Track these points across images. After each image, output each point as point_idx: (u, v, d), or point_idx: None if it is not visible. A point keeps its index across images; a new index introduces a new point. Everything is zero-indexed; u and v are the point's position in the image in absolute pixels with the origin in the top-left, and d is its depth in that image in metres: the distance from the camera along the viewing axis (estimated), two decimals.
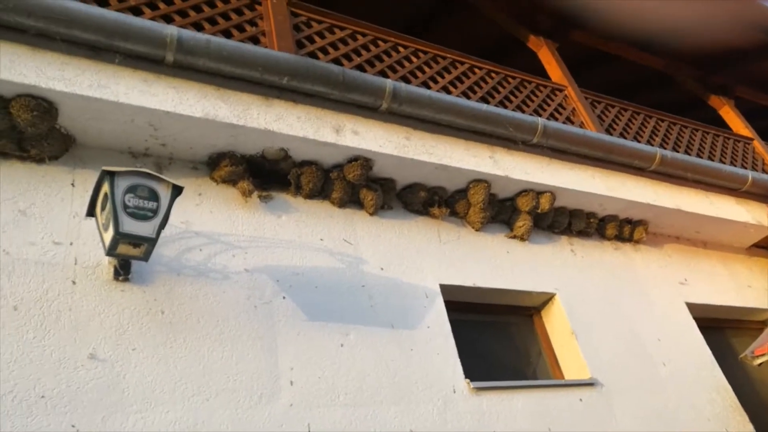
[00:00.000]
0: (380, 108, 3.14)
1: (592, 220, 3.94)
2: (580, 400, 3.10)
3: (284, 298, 2.67)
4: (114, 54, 2.56)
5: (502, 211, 3.63)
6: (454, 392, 2.79)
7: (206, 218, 2.72)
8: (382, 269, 3.03)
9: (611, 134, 4.37)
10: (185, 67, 2.69)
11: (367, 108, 3.15)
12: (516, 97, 4.10)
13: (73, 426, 2.01)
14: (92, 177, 2.55)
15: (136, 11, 2.90)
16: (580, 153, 3.84)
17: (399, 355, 2.77)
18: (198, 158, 2.85)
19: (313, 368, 2.54)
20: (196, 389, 2.26)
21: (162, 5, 3.04)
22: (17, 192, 2.38)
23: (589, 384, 3.20)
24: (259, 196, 2.90)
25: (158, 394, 2.19)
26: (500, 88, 4.07)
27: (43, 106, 2.37)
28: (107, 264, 2.37)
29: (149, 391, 2.18)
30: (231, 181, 2.85)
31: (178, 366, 2.28)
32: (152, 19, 2.87)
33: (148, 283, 2.42)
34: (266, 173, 2.96)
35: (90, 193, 2.49)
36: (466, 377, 2.85)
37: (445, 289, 3.15)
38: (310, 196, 3.06)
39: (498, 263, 3.46)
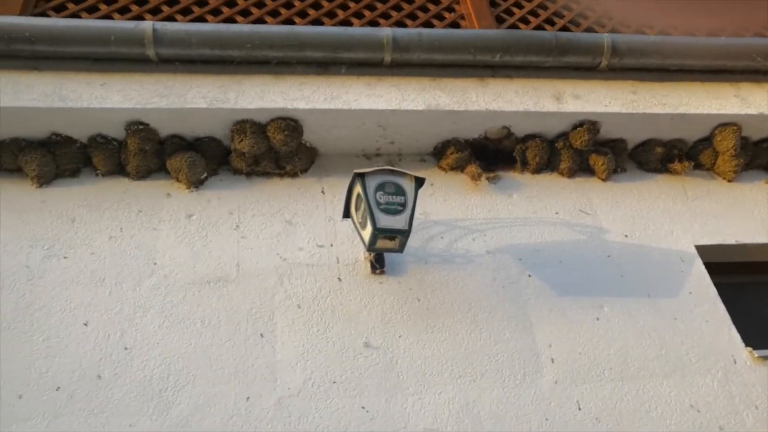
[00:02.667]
0: (599, 66, 2.94)
1: None
2: None
3: (529, 276, 2.64)
4: (340, 66, 2.75)
5: (759, 154, 3.16)
6: (735, 362, 2.50)
7: (441, 206, 2.80)
8: (626, 236, 2.84)
9: None
10: (402, 64, 2.80)
11: (585, 69, 2.96)
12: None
13: (363, 407, 2.21)
14: (337, 183, 2.80)
15: (346, 22, 3.11)
16: None
17: (662, 325, 2.57)
18: (424, 150, 2.95)
19: (571, 344, 2.47)
20: (462, 370, 2.34)
21: (367, 12, 3.21)
22: (282, 205, 2.69)
23: None
24: (487, 178, 2.91)
25: (429, 377, 2.31)
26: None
27: (291, 125, 2.65)
28: (364, 260, 2.56)
29: (420, 374, 2.31)
30: (458, 167, 2.90)
31: (441, 349, 2.38)
32: (364, 25, 3.05)
33: (401, 273, 2.57)
34: (490, 154, 2.95)
35: (338, 197, 2.73)
36: (747, 345, 2.54)
37: (703, 250, 2.84)
38: (538, 170, 2.98)
39: (762, 215, 3.02)
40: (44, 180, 2.55)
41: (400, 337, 2.39)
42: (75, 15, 2.94)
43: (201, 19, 3.04)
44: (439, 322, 2.45)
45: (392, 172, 2.30)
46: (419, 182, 2.32)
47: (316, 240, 2.61)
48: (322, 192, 2.77)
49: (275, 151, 2.71)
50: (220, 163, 2.75)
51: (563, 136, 2.95)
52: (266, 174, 2.77)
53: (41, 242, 2.43)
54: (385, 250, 2.36)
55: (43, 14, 2.91)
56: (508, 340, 2.44)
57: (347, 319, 2.41)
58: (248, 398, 2.18)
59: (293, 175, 2.79)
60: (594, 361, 2.43)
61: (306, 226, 2.64)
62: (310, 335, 2.35)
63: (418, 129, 2.82)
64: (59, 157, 2.56)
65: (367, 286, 2.51)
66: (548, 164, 3.00)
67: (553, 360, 2.42)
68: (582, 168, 3.03)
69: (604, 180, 3.02)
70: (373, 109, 2.69)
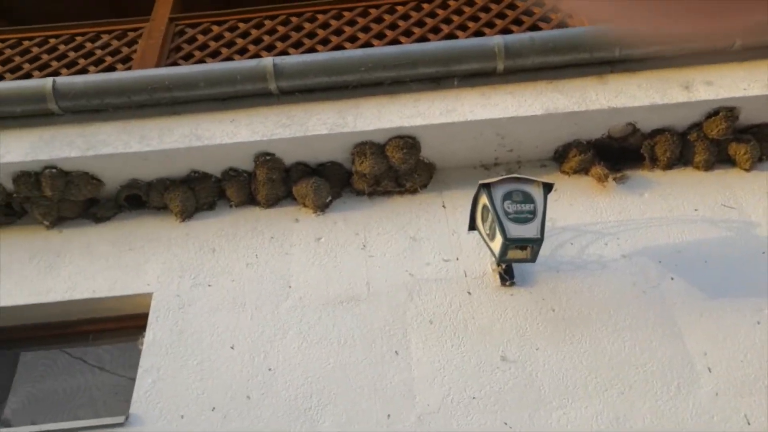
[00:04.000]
0: (734, 47, 2.71)
1: None
2: None
3: (672, 279, 2.46)
4: (452, 79, 2.75)
5: None
6: None
7: (567, 211, 2.69)
8: None
9: None
10: (515, 70, 2.75)
11: (716, 53, 2.75)
12: None
13: (505, 423, 2.15)
14: (457, 196, 2.78)
15: (452, 36, 3.11)
16: None
17: None
18: (544, 155, 2.87)
19: (730, 351, 2.26)
20: (608, 383, 2.21)
21: (471, 24, 3.19)
22: (405, 222, 2.72)
23: None
24: (614, 179, 2.76)
25: (572, 390, 2.21)
26: None
27: (409, 142, 2.68)
28: (492, 272, 2.51)
29: (563, 387, 2.22)
30: (582, 169, 2.79)
31: (583, 361, 2.27)
32: (470, 36, 3.04)
33: (531, 284, 2.49)
34: (615, 153, 2.81)
35: (459, 210, 2.71)
36: None
37: None
38: (669, 165, 2.79)
39: None
40: (186, 214, 2.76)
41: (537, 349, 2.31)
42: (200, 61, 3.18)
43: (312, 49, 3.17)
44: (578, 332, 2.34)
45: (518, 179, 2.25)
46: (547, 188, 2.25)
47: (441, 254, 2.60)
48: (443, 206, 2.77)
49: (395, 170, 2.75)
50: (343, 185, 2.83)
51: (696, 126, 2.75)
52: (387, 193, 2.81)
53: (188, 272, 2.61)
54: (516, 261, 2.30)
55: (175, 64, 3.18)
56: (656, 348, 2.28)
57: (481, 333, 2.37)
58: (389, 416, 2.19)
59: (413, 191, 2.81)
60: (760, 370, 2.21)
61: (430, 241, 2.65)
62: (445, 350, 2.33)
63: (537, 134, 2.74)
64: (198, 192, 2.76)
65: (498, 298, 2.46)
66: (680, 158, 2.80)
67: (710, 369, 2.22)
68: (720, 159, 2.80)
69: (747, 170, 2.77)
70: (489, 119, 2.66)
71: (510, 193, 2.22)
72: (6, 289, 2.58)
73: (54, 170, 2.64)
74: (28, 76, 3.15)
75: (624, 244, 2.57)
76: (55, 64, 3.23)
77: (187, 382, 2.31)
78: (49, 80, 2.67)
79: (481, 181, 2.27)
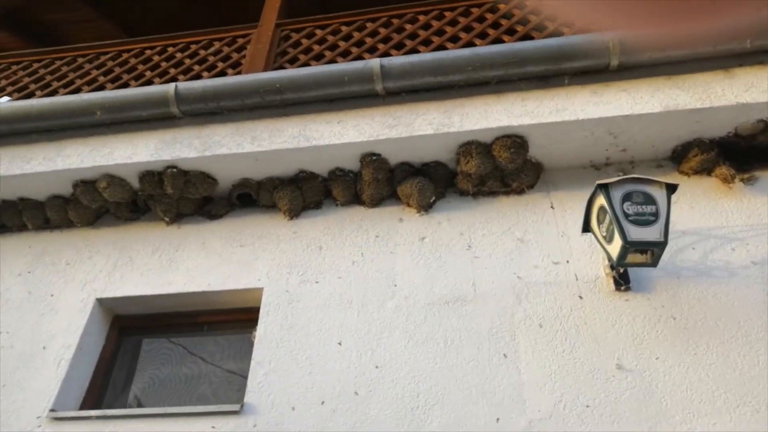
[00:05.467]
0: None
1: None
2: None
3: None
4: (562, 77, 2.66)
5: None
6: None
7: (688, 214, 2.53)
8: None
9: None
10: (630, 67, 2.62)
11: None
12: None
13: None
14: (566, 197, 2.69)
15: (557, 34, 3.01)
16: None
17: None
18: (660, 155, 2.71)
19: None
20: (740, 399, 2.05)
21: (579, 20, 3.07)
22: (511, 223, 2.66)
23: None
24: (741, 180, 2.57)
25: (698, 405, 2.07)
26: None
27: (517, 142, 2.62)
28: (605, 276, 2.41)
29: (687, 401, 2.08)
30: (704, 170, 2.61)
31: (710, 374, 2.12)
32: (577, 33, 2.93)
33: (649, 290, 2.36)
34: (742, 152, 2.61)
35: (568, 212, 2.62)
36: None
37: None
38: None
39: None
40: (294, 213, 2.84)
41: (657, 359, 2.18)
42: (305, 64, 3.27)
43: (414, 50, 3.17)
44: (702, 342, 2.19)
45: (638, 180, 2.14)
46: (671, 189, 2.12)
47: (550, 257, 2.52)
48: (552, 207, 2.68)
49: (501, 170, 2.70)
50: (447, 185, 2.82)
51: None
52: (492, 193, 2.77)
53: (296, 269, 2.69)
54: (635, 265, 2.19)
55: (281, 67, 3.29)
56: None
57: (594, 339, 2.27)
58: (498, 419, 2.15)
59: (520, 192, 2.74)
60: None
61: (538, 243, 2.57)
62: (556, 356, 2.25)
63: (654, 133, 2.60)
64: (305, 192, 2.84)
65: (612, 303, 2.35)
66: None
67: None
68: None
69: None
70: (602, 117, 2.55)
71: (630, 194, 2.11)
72: (132, 279, 2.77)
73: (175, 170, 2.80)
74: (149, 82, 3.37)
75: (754, 250, 2.39)
76: (172, 71, 3.44)
77: (297, 376, 2.37)
78: (172, 86, 2.84)
79: (598, 181, 2.18)
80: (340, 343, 2.43)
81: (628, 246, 2.06)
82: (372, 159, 2.74)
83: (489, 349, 2.32)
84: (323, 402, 2.29)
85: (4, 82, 3.55)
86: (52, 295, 2.77)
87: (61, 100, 2.92)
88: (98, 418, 2.37)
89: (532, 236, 2.60)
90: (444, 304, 2.47)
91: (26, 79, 3.53)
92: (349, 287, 2.59)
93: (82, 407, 2.54)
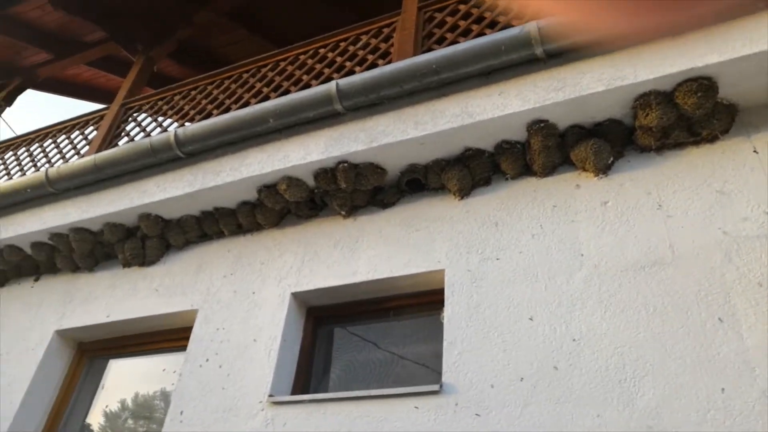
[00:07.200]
0: None
1: None
2: None
3: None
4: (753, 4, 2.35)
5: None
6: None
7: None
8: None
9: None
10: None
11: None
12: None
13: None
14: None
15: None
16: None
17: None
18: None
19: None
20: None
21: None
22: (706, 174, 2.41)
23: None
24: None
25: None
26: None
27: (704, 84, 2.36)
28: None
29: None
30: None
31: None
32: None
33: None
34: None
35: None
36: None
37: None
38: None
39: None
40: (464, 192, 2.83)
41: None
42: (453, 43, 3.22)
43: None
44: None
45: None
46: None
47: (761, 207, 2.24)
48: (755, 151, 2.38)
49: (687, 118, 2.45)
50: (624, 144, 2.62)
51: None
52: (679, 145, 2.53)
53: (474, 247, 2.67)
54: None
55: (430, 49, 3.27)
56: None
57: None
58: (723, 390, 1.96)
59: (712, 139, 2.47)
60: None
61: (743, 193, 2.30)
62: None
63: None
64: (473, 169, 2.81)
65: None
66: None
67: None
68: None
69: None
70: None
71: None
72: (320, 272, 2.95)
73: (346, 164, 2.92)
74: (307, 86, 3.54)
75: None
76: (326, 71, 3.58)
77: (491, 354, 2.36)
78: (333, 84, 2.96)
79: None
80: (531, 318, 2.38)
81: None
82: (540, 126, 2.63)
83: (700, 314, 2.12)
84: (522, 378, 2.25)
85: (186, 107, 3.95)
86: (253, 293, 3.04)
87: (238, 114, 3.18)
88: (310, 401, 2.56)
89: (734, 186, 2.33)
90: (639, 270, 2.31)
91: (203, 101, 3.91)
92: (533, 261, 2.52)
93: (293, 392, 2.76)
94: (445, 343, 2.47)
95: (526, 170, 2.77)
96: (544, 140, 2.62)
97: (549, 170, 2.71)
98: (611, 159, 2.59)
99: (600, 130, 2.62)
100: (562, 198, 2.63)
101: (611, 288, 2.32)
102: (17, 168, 4.56)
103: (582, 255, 2.45)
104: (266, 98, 3.61)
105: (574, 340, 2.26)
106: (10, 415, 3.26)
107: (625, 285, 2.30)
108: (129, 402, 3.59)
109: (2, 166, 4.67)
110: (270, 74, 3.81)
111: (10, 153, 4.75)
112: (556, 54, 2.64)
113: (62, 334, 3.58)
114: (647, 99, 2.45)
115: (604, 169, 2.59)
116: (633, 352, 2.15)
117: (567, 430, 2.08)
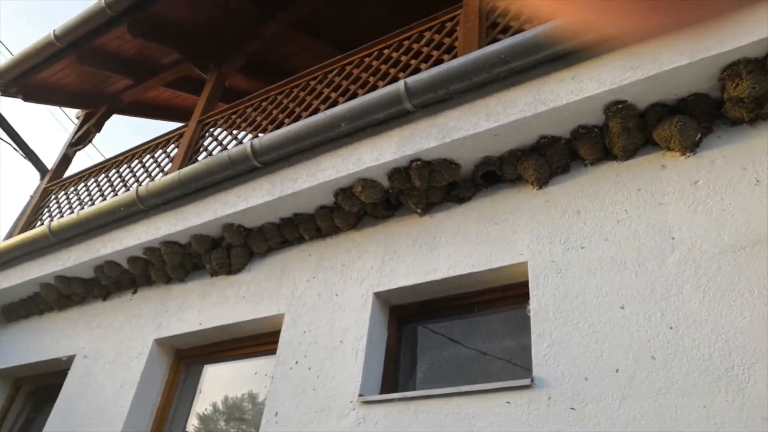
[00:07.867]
0: None
1: None
2: None
3: None
4: None
5: None
6: None
7: None
8: None
9: None
10: None
11: None
12: None
13: None
14: None
15: None
16: None
17: None
18: None
19: None
20: None
21: None
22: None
23: None
24: None
25: None
26: None
27: None
28: None
29: None
30: None
31: None
32: None
33: None
34: None
35: None
36: None
37: None
38: None
39: None
40: (542, 181, 2.76)
41: None
42: (518, 31, 3.15)
43: None
44: None
45: None
46: None
47: None
48: None
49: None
50: (712, 118, 2.48)
51: None
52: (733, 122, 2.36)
53: (557, 237, 2.61)
54: None
55: (495, 40, 3.22)
56: None
57: None
58: None
59: None
60: None
61: None
62: None
63: None
64: (550, 157, 2.74)
65: None
66: None
67: None
68: None
69: None
70: None
71: None
72: (400, 271, 2.97)
73: (419, 162, 2.92)
74: (374, 87, 3.57)
75: None
76: (392, 71, 3.60)
77: (582, 345, 2.29)
78: (401, 83, 2.97)
79: None
80: (622, 307, 2.29)
81: None
82: (618, 107, 2.53)
83: None
84: (617, 370, 2.18)
85: (259, 118, 4.09)
86: (336, 295, 3.10)
87: (311, 120, 3.26)
88: (400, 400, 2.58)
89: None
90: (739, 251, 2.17)
91: (275, 112, 4.02)
92: (620, 248, 2.43)
93: (382, 391, 2.79)
94: (533, 336, 2.42)
95: (606, 154, 2.67)
96: (624, 122, 2.52)
97: (631, 153, 2.60)
98: (699, 135, 2.46)
99: (684, 106, 2.49)
100: (648, 180, 2.52)
101: (709, 271, 2.19)
102: (109, 188, 4.88)
103: (673, 238, 2.33)
104: (335, 103, 3.67)
105: (671, 327, 2.16)
106: (121, 418, 3.49)
107: (724, 267, 2.17)
108: (220, 405, 3.75)
109: (96, 188, 5.00)
110: (337, 79, 3.87)
111: (103, 175, 5.08)
112: None
113: (161, 343, 3.79)
114: (736, 68, 2.30)
115: (691, 147, 2.46)
116: (738, 338, 2.02)
117: (672, 423, 1.99)
